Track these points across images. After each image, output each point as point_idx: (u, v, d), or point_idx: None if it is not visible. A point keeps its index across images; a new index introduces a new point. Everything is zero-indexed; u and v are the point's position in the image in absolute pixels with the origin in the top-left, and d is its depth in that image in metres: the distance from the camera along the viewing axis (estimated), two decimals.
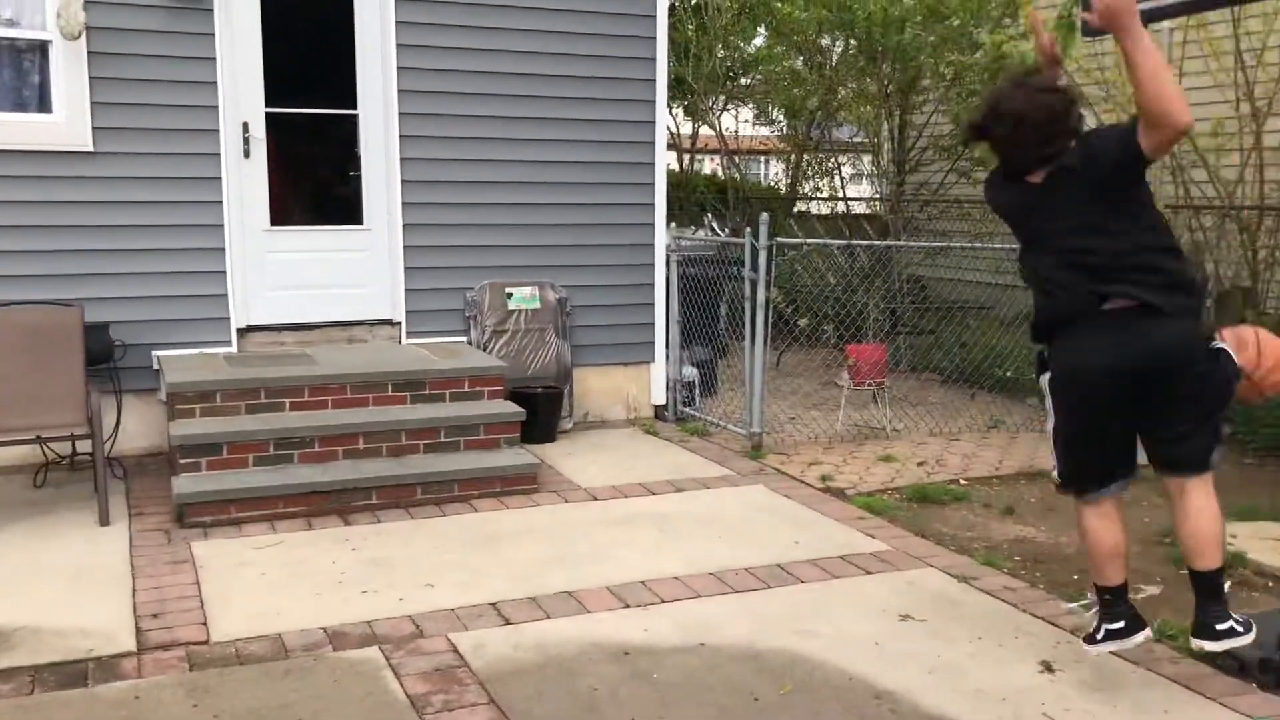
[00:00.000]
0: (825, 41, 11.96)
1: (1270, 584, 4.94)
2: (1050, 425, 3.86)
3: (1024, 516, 6.00)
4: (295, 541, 5.34)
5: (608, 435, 7.59)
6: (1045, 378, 3.84)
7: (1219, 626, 3.65)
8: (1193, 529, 3.69)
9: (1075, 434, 3.78)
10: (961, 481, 6.62)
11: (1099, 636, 3.84)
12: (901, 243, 10.11)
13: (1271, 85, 7.59)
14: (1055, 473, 3.95)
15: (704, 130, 14.09)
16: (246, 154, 6.91)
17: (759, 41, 14.40)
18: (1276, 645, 3.89)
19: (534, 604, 4.59)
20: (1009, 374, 8.96)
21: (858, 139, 14.51)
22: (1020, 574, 5.06)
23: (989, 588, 4.84)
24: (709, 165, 18.58)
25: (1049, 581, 4.99)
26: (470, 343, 7.44)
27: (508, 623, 4.41)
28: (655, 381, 8.07)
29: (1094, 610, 3.91)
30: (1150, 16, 3.89)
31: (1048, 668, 4.04)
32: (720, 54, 12.81)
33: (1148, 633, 3.86)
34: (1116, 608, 3.83)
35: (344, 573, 4.92)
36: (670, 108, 14.24)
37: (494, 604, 4.59)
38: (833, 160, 14.09)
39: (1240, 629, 3.63)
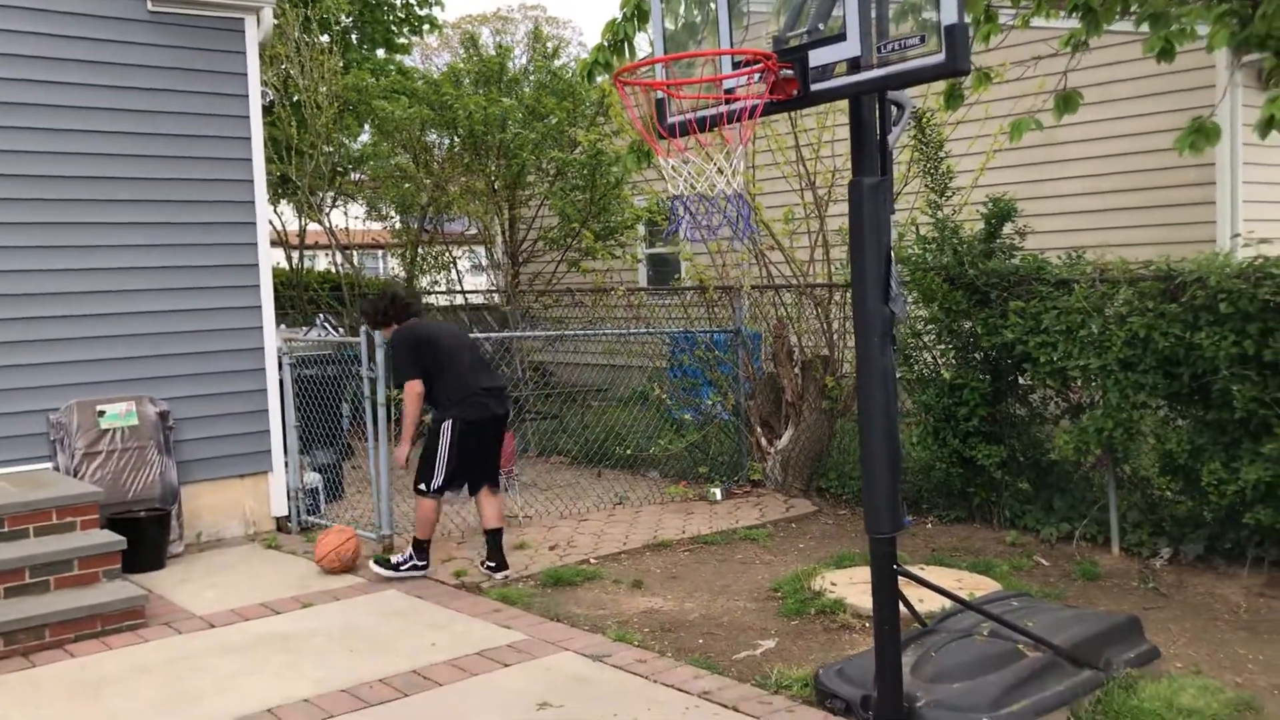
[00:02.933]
0: (431, 138, 12.14)
1: (867, 625, 5.43)
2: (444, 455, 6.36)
3: (651, 588, 6.24)
4: None
5: (225, 554, 7.12)
6: (447, 424, 6.36)
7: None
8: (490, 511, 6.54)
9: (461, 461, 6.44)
10: (592, 560, 6.79)
11: (405, 566, 6.42)
12: (519, 333, 10.34)
13: (829, 175, 8.55)
14: (428, 485, 6.37)
15: (314, 226, 13.77)
16: None
17: (364, 139, 14.37)
18: (873, 682, 4.26)
19: None
20: (629, 452, 9.36)
21: (471, 231, 14.77)
22: (650, 645, 5.25)
23: (622, 663, 4.98)
24: (322, 261, 18.16)
25: (677, 649, 5.20)
26: (58, 469, 6.75)
27: None
28: (275, 492, 7.68)
29: (409, 555, 6.46)
30: (723, 118, 4.28)
31: None
32: (327, 150, 12.63)
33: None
34: (425, 556, 6.47)
35: None
36: (275, 205, 13.84)
37: None
38: (448, 254, 14.23)
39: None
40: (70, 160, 6.89)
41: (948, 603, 4.75)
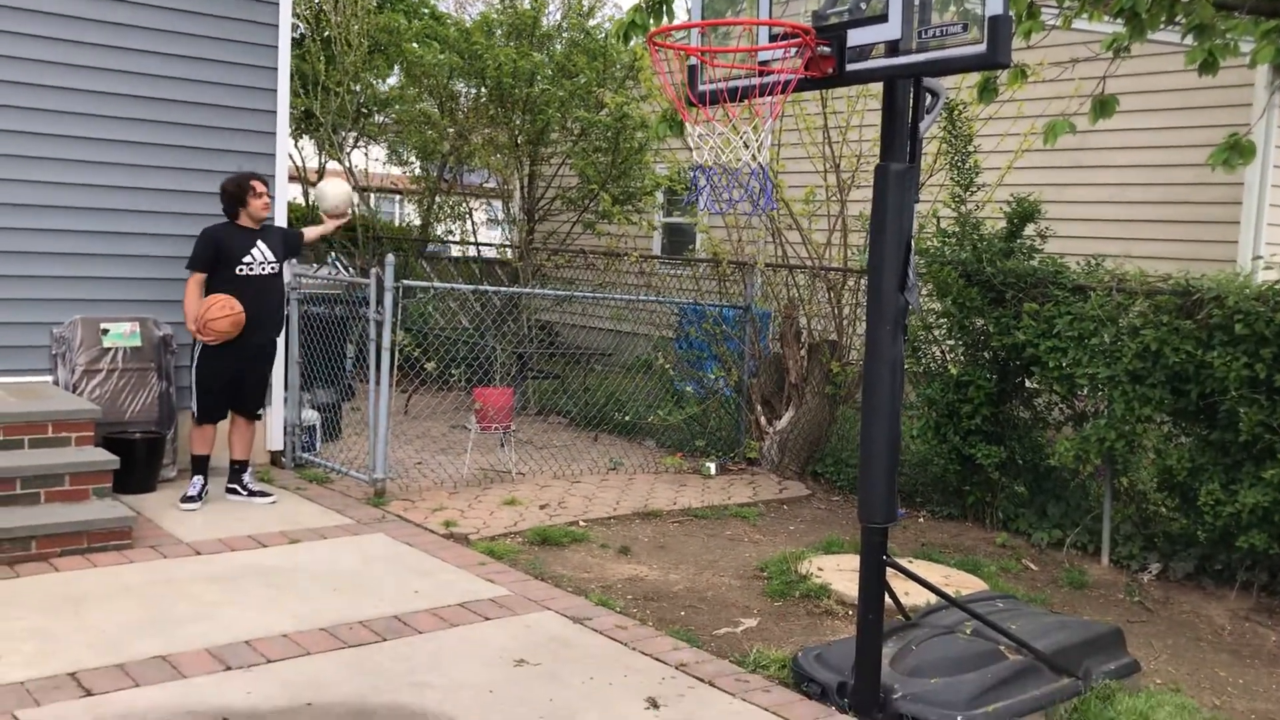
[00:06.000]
0: (459, 87, 12.04)
1: (850, 612, 5.42)
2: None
3: (638, 556, 6.24)
4: None
5: (215, 484, 7.12)
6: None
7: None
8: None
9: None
10: (581, 523, 6.79)
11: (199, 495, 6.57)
12: (529, 290, 10.30)
13: (854, 160, 8.47)
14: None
15: (334, 164, 13.71)
16: None
17: (392, 81, 14.27)
18: (852, 670, 4.26)
19: (121, 671, 4.19)
20: (628, 419, 9.35)
21: (489, 184, 14.70)
22: (632, 612, 5.25)
23: (602, 628, 4.97)
24: None
25: (658, 619, 5.20)
26: (58, 383, 6.74)
27: (89, 694, 3.99)
28: (272, 426, 7.66)
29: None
30: (755, 90, 4.22)
31: (653, 704, 4.19)
32: (354, 89, 12.54)
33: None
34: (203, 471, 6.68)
35: None
36: (297, 140, 13.78)
37: (73, 674, 4.14)
38: (465, 204, 14.17)
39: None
40: (89, 74, 6.83)
41: (933, 598, 4.73)
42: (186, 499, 6.50)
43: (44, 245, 6.76)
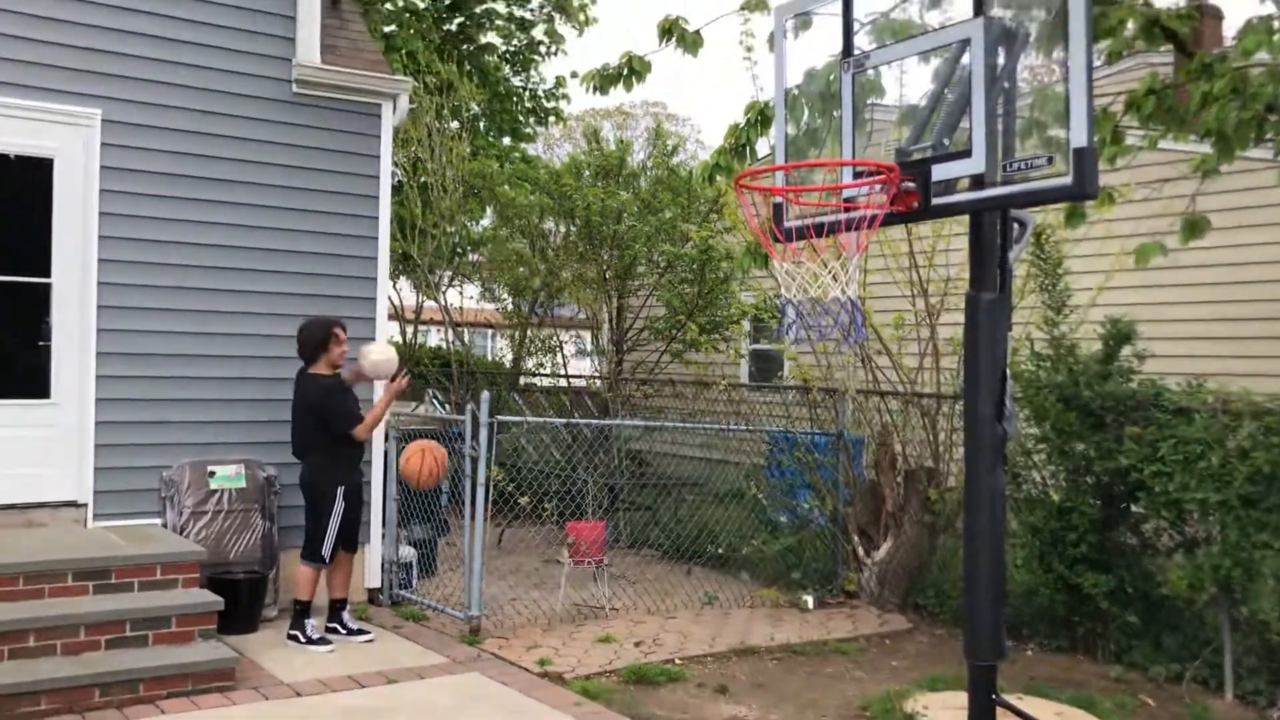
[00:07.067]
0: (548, 226, 12.41)
1: None
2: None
3: (736, 695, 6.10)
4: None
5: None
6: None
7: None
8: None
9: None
10: (677, 661, 6.68)
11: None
12: (619, 421, 10.37)
13: (942, 285, 8.47)
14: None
15: (430, 303, 14.14)
16: None
17: (486, 222, 14.76)
18: None
19: None
20: (720, 551, 9.25)
21: (579, 316, 14.98)
22: None
23: None
24: (435, 337, 18.59)
25: None
26: (166, 525, 6.94)
27: None
28: (370, 563, 7.76)
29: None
30: (841, 225, 4.29)
31: None
32: (449, 230, 13.00)
33: None
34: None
35: None
36: (395, 281, 14.25)
37: None
38: (555, 337, 14.43)
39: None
40: (206, 229, 7.21)
41: None
42: (314, 641, 6.59)
43: (157, 393, 7.05)
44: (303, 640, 6.60)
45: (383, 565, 7.83)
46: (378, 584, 7.82)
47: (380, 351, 7.01)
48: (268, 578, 7.09)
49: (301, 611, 6.67)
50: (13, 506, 6.61)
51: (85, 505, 6.80)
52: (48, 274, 6.75)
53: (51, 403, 6.76)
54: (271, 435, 7.29)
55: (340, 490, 6.73)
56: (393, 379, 6.97)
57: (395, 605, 7.75)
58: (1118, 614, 6.87)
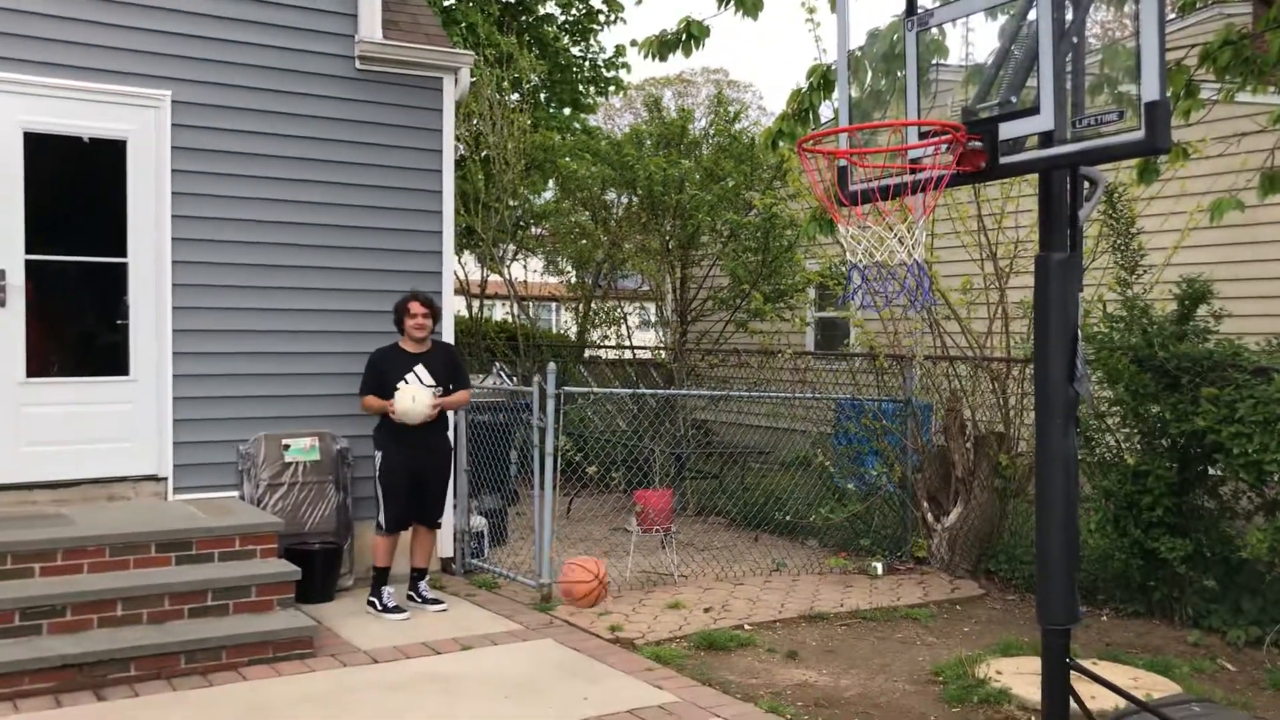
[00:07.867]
0: (610, 197, 12.41)
1: (1033, 718, 5.17)
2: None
3: (806, 660, 6.11)
4: None
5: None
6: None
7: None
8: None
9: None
10: (746, 626, 6.71)
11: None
12: (684, 391, 10.38)
13: (1011, 248, 8.33)
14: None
15: (495, 277, 14.26)
16: (2, 303, 6.52)
17: (548, 195, 14.81)
18: None
19: None
20: (788, 518, 9.24)
21: (643, 288, 14.99)
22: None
23: None
24: (500, 311, 18.74)
25: None
26: (243, 497, 7.11)
27: None
28: (443, 533, 7.87)
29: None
30: (907, 188, 4.23)
31: None
32: (512, 204, 13.07)
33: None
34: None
35: None
36: (459, 255, 14.38)
37: None
38: (619, 309, 14.46)
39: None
40: (275, 206, 7.34)
41: (1122, 702, 4.48)
42: (389, 609, 6.73)
43: (234, 368, 7.21)
44: (379, 608, 6.73)
45: (455, 535, 7.95)
46: (450, 553, 7.94)
47: (401, 406, 6.70)
48: (343, 548, 7.24)
49: (379, 578, 6.82)
50: (96, 481, 6.82)
51: (165, 479, 6.99)
52: (124, 254, 6.92)
53: (130, 379, 6.95)
54: (343, 408, 7.42)
55: (379, 455, 6.86)
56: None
57: (468, 574, 7.88)
58: (1195, 578, 6.75)
